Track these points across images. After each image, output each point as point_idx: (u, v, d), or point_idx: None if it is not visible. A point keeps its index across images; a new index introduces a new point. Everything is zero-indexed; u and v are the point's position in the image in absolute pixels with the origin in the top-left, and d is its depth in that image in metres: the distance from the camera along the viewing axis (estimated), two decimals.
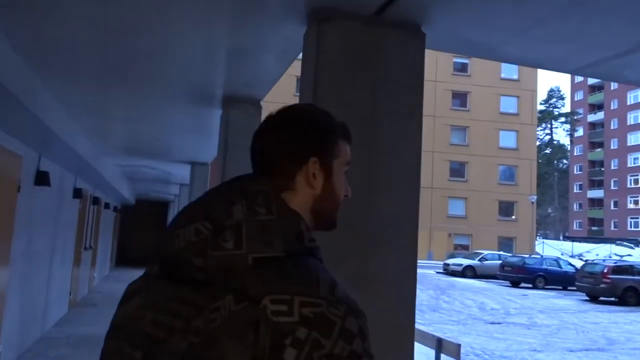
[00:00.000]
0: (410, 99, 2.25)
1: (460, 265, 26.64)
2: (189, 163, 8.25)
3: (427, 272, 27.94)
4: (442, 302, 15.82)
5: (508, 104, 41.52)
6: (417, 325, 9.84)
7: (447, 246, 37.97)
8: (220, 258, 0.79)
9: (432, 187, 39.64)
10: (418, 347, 7.49)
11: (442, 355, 6.56)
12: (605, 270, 18.34)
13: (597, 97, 75.14)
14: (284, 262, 0.79)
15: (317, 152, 0.92)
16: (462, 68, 41.69)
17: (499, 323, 12.49)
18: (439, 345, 6.59)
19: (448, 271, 26.90)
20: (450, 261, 28.03)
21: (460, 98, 41.29)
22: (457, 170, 40.78)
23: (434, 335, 6.83)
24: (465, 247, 37.32)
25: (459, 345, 6.29)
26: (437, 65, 40.23)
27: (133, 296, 0.87)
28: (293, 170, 0.91)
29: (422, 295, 16.86)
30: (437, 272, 27.74)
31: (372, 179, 2.11)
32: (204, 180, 7.93)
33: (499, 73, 41.63)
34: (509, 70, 41.78)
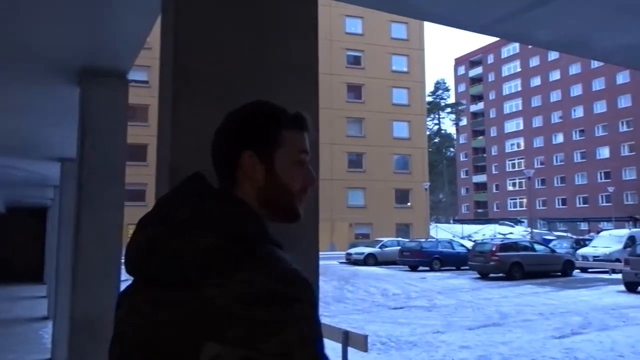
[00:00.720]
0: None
1: (362, 253, 27.14)
2: (58, 160, 7.21)
3: (330, 263, 28.15)
4: (347, 292, 15.85)
5: (399, 96, 43.18)
6: (322, 319, 9.59)
7: (348, 236, 38.70)
8: (171, 255, 0.84)
9: (332, 179, 40.13)
10: (325, 342, 7.23)
11: (349, 348, 6.33)
12: (494, 249, 19.57)
13: (477, 89, 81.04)
14: (228, 250, 0.82)
15: (251, 146, 0.94)
16: (355, 61, 42.60)
17: (401, 308, 12.68)
18: (346, 338, 6.34)
19: (350, 261, 27.30)
20: (352, 250, 28.48)
21: (354, 90, 42.19)
22: (355, 161, 41.71)
23: (340, 329, 6.58)
24: (366, 236, 38.30)
25: (365, 337, 6.08)
26: (331, 58, 40.71)
27: (124, 301, 0.93)
28: (232, 166, 0.95)
29: (327, 287, 16.78)
30: (340, 263, 28.06)
31: None
32: (75, 180, 6.93)
33: (390, 65, 43.14)
34: (399, 62, 43.45)
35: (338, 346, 6.60)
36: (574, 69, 65.23)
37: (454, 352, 7.60)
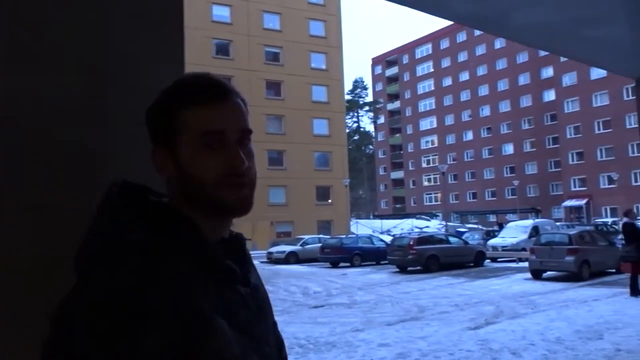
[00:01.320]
0: None
1: (283, 252, 26.83)
2: None
3: None
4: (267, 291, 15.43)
5: (319, 93, 43.33)
6: None
7: (270, 235, 38.22)
8: None
9: None
10: None
11: None
12: (411, 243, 20.00)
13: (393, 88, 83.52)
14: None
15: (157, 141, 0.84)
16: (274, 57, 42.15)
17: (322, 306, 12.49)
18: None
19: (272, 260, 26.90)
20: (274, 249, 28.09)
21: (274, 87, 41.75)
22: (276, 159, 41.29)
23: None
24: (288, 234, 38.05)
25: None
26: (249, 54, 40.00)
27: None
28: (152, 170, 0.85)
29: None
30: (262, 262, 27.54)
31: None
32: None
33: (309, 62, 43.15)
34: (318, 60, 43.58)
35: None
36: (482, 70, 69.02)
37: (373, 351, 7.45)
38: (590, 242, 15.94)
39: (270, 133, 40.94)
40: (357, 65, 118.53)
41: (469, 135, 69.65)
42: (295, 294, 14.76)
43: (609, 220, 38.93)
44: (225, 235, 0.88)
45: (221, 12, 40.27)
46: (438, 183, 71.81)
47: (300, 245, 27.26)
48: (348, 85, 74.91)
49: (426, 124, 76.66)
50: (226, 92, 0.84)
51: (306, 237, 29.06)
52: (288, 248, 27.29)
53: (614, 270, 15.64)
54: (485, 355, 7.08)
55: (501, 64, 66.68)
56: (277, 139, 41.08)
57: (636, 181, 49.32)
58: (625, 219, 11.72)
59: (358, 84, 76.42)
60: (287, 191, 40.95)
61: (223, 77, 0.92)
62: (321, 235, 30.27)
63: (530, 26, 2.56)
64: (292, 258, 26.23)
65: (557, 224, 32.18)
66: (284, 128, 41.76)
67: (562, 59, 56.14)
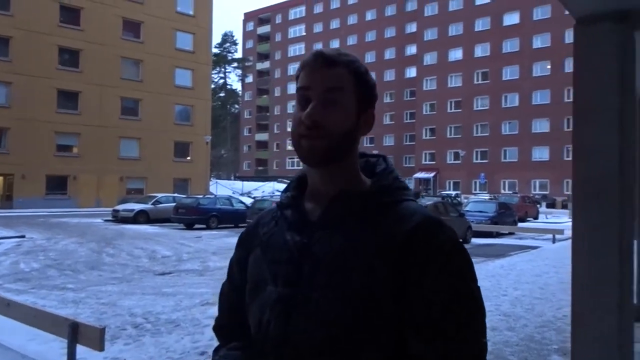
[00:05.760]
0: None
1: (131, 210, 24.32)
2: None
3: (93, 221, 24.67)
4: (105, 255, 13.44)
5: (184, 41, 39.89)
6: (51, 303, 6.91)
7: (119, 191, 34.80)
8: None
9: (101, 126, 35.34)
10: (48, 337, 5.19)
11: (80, 346, 4.52)
12: (273, 206, 19.16)
13: (264, 47, 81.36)
14: None
15: None
16: None
17: (169, 273, 11.05)
18: (74, 333, 4.49)
19: (118, 218, 24.26)
20: (120, 207, 25.37)
21: (132, 28, 37.39)
22: (131, 108, 37.39)
23: (67, 319, 4.67)
24: (140, 191, 34.96)
25: (101, 330, 4.33)
26: None
27: None
28: None
29: (80, 251, 14.07)
30: (106, 221, 24.77)
31: None
32: None
33: (175, 5, 39.37)
34: (185, 4, 39.97)
35: (63, 343, 4.74)
36: (351, 40, 70.11)
37: None
38: (444, 213, 16.52)
39: (126, 79, 36.81)
40: (227, 19, 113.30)
41: None
42: (139, 259, 13.04)
43: (453, 193, 42.34)
44: (344, 186, 0.97)
45: None
46: None
47: (152, 204, 24.98)
48: (217, 38, 71.06)
49: (294, 88, 76.13)
50: (319, 59, 0.96)
51: (159, 195, 26.73)
52: (138, 206, 24.82)
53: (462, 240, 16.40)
54: None
55: (370, 36, 68.30)
56: (134, 85, 37.08)
57: (477, 159, 54.40)
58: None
59: (228, 38, 72.92)
60: (141, 144, 37.41)
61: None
62: (176, 195, 28.10)
63: None
64: (141, 217, 23.90)
65: None
66: (141, 75, 37.78)
67: (426, 38, 59.15)
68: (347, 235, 0.92)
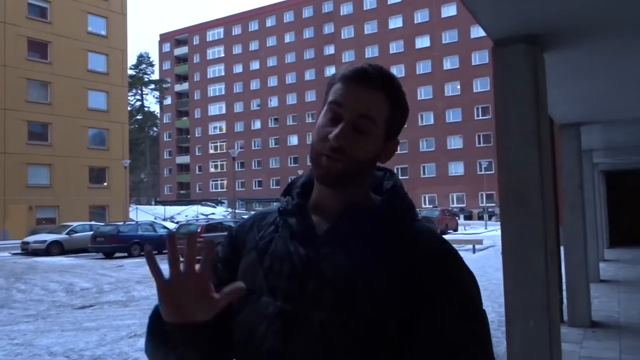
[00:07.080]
0: None
1: (44, 241, 22.66)
2: None
3: None
4: (16, 292, 12.40)
5: (96, 62, 38.20)
6: None
7: (28, 221, 32.33)
8: None
9: (6, 153, 32.82)
10: None
11: None
12: (199, 230, 18.72)
13: (182, 69, 79.89)
14: None
15: None
16: (40, 13, 35.61)
17: (90, 306, 10.38)
18: None
19: (28, 251, 22.51)
20: (31, 238, 23.57)
21: (39, 48, 35.29)
22: (39, 133, 35.05)
23: None
24: (52, 221, 32.65)
25: None
26: (5, 3, 33.04)
27: None
28: None
29: None
30: (14, 254, 22.89)
31: None
32: None
33: (86, 26, 37.73)
34: (97, 24, 38.44)
35: None
36: (272, 62, 70.68)
37: None
38: None
39: (32, 101, 34.55)
40: (143, 40, 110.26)
41: (257, 124, 70.75)
42: (55, 293, 12.15)
43: None
44: (352, 200, 0.93)
45: None
46: (225, 170, 71.28)
47: (67, 234, 23.42)
48: (132, 60, 68.76)
49: (215, 109, 75.36)
50: (364, 78, 0.89)
51: (74, 224, 25.14)
52: (50, 237, 23.18)
53: None
54: None
55: (290, 58, 69.21)
56: (41, 109, 34.84)
57: (399, 175, 56.21)
58: None
59: (143, 59, 70.78)
60: (52, 171, 35.08)
61: None
62: (94, 223, 26.57)
63: None
64: (55, 249, 22.33)
65: None
66: (50, 97, 35.62)
67: (345, 59, 60.92)
68: (355, 257, 0.88)
